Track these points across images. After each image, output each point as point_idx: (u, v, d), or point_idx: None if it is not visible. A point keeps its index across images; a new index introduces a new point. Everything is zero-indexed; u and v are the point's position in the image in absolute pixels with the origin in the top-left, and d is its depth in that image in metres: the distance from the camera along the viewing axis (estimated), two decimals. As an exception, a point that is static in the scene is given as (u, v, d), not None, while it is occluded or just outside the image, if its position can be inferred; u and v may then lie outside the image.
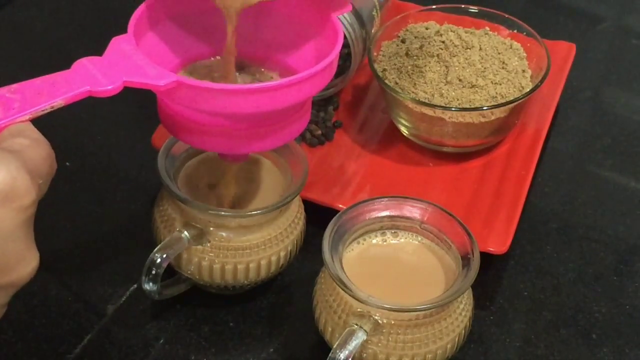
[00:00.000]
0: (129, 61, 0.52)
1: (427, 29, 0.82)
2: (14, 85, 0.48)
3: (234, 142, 0.57)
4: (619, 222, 0.76)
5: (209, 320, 0.67)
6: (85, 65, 0.51)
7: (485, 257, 0.67)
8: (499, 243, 0.70)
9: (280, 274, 0.68)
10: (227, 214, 0.63)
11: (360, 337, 0.57)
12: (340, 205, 0.71)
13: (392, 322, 0.58)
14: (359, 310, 0.59)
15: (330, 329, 0.61)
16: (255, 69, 0.63)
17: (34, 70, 0.86)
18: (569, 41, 0.89)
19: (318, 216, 0.68)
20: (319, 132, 0.79)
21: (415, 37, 0.81)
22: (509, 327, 0.68)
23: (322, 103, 0.82)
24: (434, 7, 0.84)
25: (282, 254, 0.65)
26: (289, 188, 0.65)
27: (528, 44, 0.81)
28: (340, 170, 0.77)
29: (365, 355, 0.59)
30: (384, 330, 0.58)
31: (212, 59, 0.63)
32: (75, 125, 0.82)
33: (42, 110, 0.48)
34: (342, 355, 0.57)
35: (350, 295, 0.58)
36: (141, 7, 0.58)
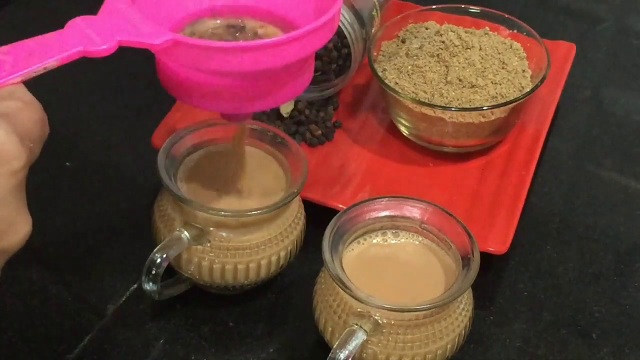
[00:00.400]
0: (124, 20, 0.51)
1: (427, 29, 0.82)
2: (6, 47, 0.47)
3: (236, 102, 0.56)
4: (619, 222, 0.76)
5: (209, 320, 0.67)
6: (78, 24, 0.49)
7: (485, 257, 0.67)
8: (499, 243, 0.70)
9: (280, 274, 0.68)
10: (227, 214, 0.63)
11: (360, 337, 0.57)
12: (340, 205, 0.71)
13: (392, 322, 0.58)
14: (359, 310, 0.59)
15: (330, 329, 0.61)
16: (257, 25, 0.62)
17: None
18: (569, 41, 0.89)
19: (318, 216, 0.68)
20: (319, 132, 0.79)
21: (415, 37, 0.81)
22: (509, 327, 0.68)
23: (322, 103, 0.82)
24: (434, 7, 0.84)
25: (282, 254, 0.65)
26: (289, 188, 0.65)
27: (528, 44, 0.81)
28: (340, 170, 0.77)
29: (365, 355, 0.59)
30: (384, 330, 0.58)
31: (214, 20, 0.61)
32: (75, 125, 0.82)
33: (35, 72, 0.47)
34: (342, 355, 0.57)
35: (350, 295, 0.58)
36: None
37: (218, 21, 0.61)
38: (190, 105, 0.58)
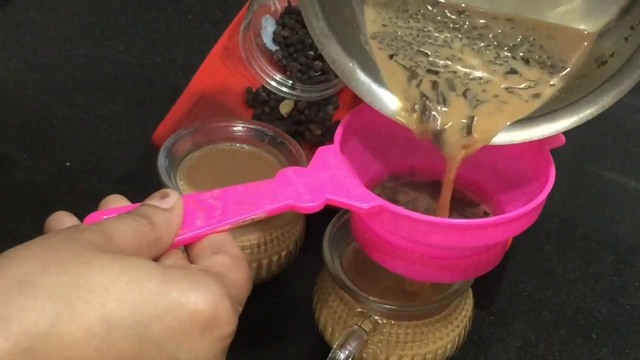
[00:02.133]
0: (334, 177, 0.50)
1: (427, 29, 0.82)
2: (216, 191, 0.47)
3: (427, 271, 0.55)
4: (619, 222, 0.76)
5: (209, 320, 0.67)
6: (289, 176, 0.49)
7: (485, 257, 0.67)
8: (499, 243, 0.70)
9: (280, 274, 0.68)
10: (227, 213, 0.62)
11: (360, 337, 0.57)
12: (341, 205, 0.71)
13: (392, 322, 0.58)
14: (359, 310, 0.59)
15: (330, 329, 0.61)
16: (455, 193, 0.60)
17: (34, 70, 0.85)
18: (569, 41, 0.89)
19: (318, 216, 0.68)
20: (319, 132, 0.79)
21: (415, 37, 0.81)
22: (509, 327, 0.68)
23: (322, 103, 0.82)
24: (434, 7, 0.84)
25: (283, 253, 0.65)
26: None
27: (528, 44, 0.81)
28: (341, 170, 0.77)
29: (365, 355, 0.59)
30: (384, 330, 0.58)
31: (411, 178, 0.60)
32: (75, 125, 0.82)
33: (243, 221, 0.46)
34: (342, 355, 0.56)
35: (350, 295, 0.58)
36: (348, 117, 0.56)
37: (415, 180, 0.60)
38: (381, 265, 0.56)
